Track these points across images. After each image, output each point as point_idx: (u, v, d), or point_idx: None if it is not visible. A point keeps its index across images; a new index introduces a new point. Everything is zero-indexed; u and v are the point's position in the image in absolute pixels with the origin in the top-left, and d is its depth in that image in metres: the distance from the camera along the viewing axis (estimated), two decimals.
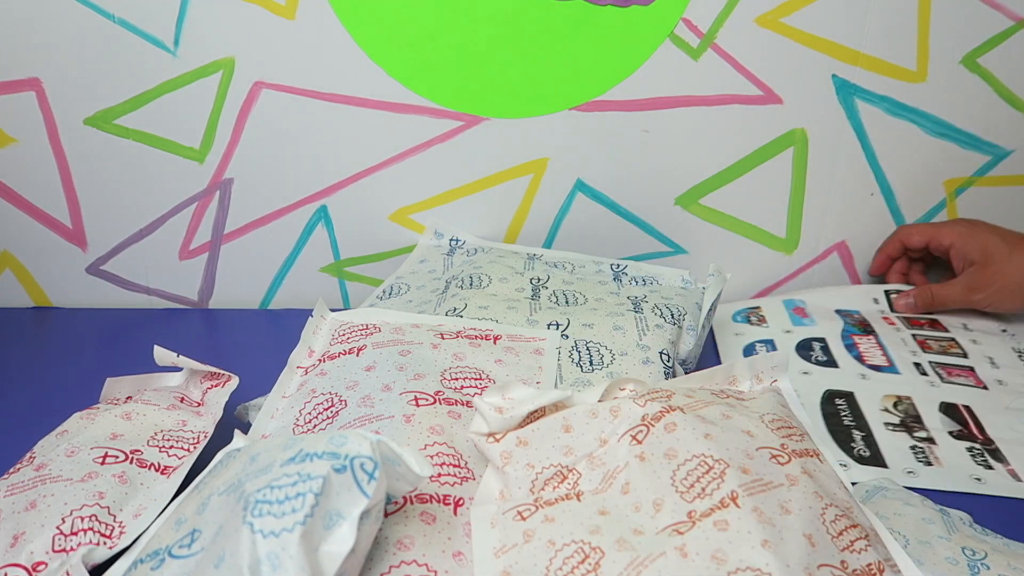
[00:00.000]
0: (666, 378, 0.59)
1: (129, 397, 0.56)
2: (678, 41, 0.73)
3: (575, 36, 0.72)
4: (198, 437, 0.53)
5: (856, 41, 0.74)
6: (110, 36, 0.70)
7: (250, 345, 0.75)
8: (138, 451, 0.50)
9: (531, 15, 0.71)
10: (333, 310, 0.63)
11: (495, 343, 0.60)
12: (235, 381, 0.57)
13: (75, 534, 0.44)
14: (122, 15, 0.69)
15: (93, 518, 0.45)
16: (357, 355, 0.57)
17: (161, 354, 0.56)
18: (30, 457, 0.50)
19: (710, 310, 0.66)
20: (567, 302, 0.66)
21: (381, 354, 0.56)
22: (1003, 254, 0.73)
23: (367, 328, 0.61)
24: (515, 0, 0.71)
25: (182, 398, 0.56)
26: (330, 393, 0.53)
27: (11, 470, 0.49)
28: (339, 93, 0.73)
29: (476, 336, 0.60)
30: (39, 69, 0.70)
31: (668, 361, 0.60)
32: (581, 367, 0.59)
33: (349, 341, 0.59)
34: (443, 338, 0.59)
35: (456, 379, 0.54)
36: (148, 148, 0.74)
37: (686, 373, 0.64)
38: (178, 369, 0.59)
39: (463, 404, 0.51)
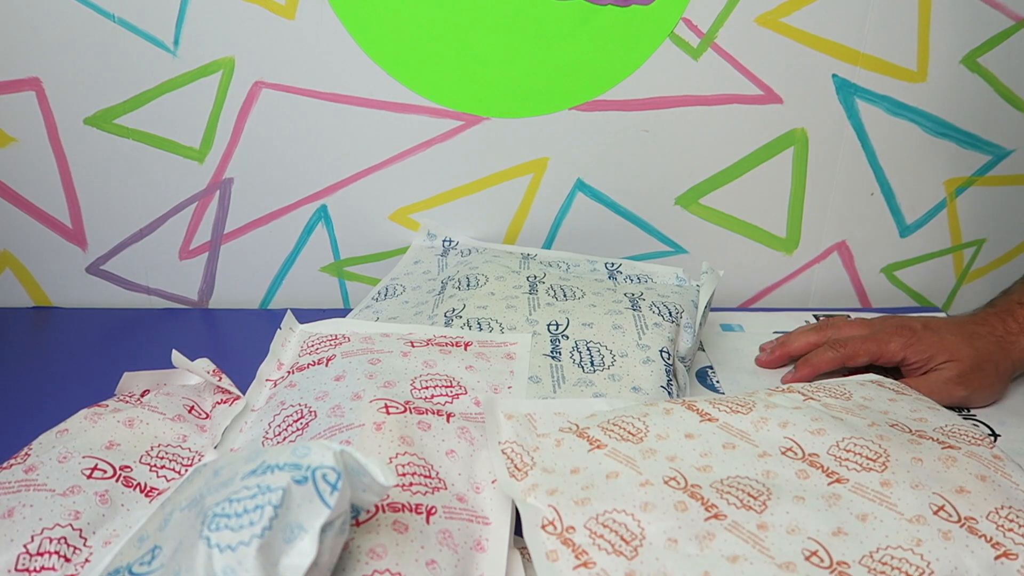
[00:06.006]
0: (667, 376, 0.59)
1: (146, 391, 0.55)
2: (678, 41, 0.73)
3: (575, 36, 0.72)
4: (192, 459, 0.52)
5: (856, 41, 0.74)
6: (110, 36, 0.70)
7: (250, 345, 0.75)
8: (128, 467, 0.49)
9: (531, 15, 0.71)
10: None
11: (466, 349, 0.59)
12: (242, 402, 0.56)
13: (41, 555, 0.43)
14: (122, 15, 0.69)
15: (62, 540, 0.44)
16: (326, 365, 0.56)
17: (179, 360, 0.55)
18: (25, 454, 0.49)
19: (706, 308, 0.66)
20: (565, 296, 0.66)
21: (350, 363, 0.56)
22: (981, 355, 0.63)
23: (336, 338, 0.60)
24: (515, 0, 0.71)
25: (191, 408, 0.56)
26: (299, 404, 0.53)
27: (4, 464, 0.49)
28: (339, 93, 0.73)
29: (446, 343, 0.60)
30: (39, 69, 0.71)
31: (668, 359, 0.60)
32: (583, 367, 0.59)
33: (318, 352, 0.59)
34: (413, 346, 0.59)
35: (427, 387, 0.54)
36: (148, 148, 0.74)
37: (686, 371, 0.65)
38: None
39: (434, 413, 0.51)
